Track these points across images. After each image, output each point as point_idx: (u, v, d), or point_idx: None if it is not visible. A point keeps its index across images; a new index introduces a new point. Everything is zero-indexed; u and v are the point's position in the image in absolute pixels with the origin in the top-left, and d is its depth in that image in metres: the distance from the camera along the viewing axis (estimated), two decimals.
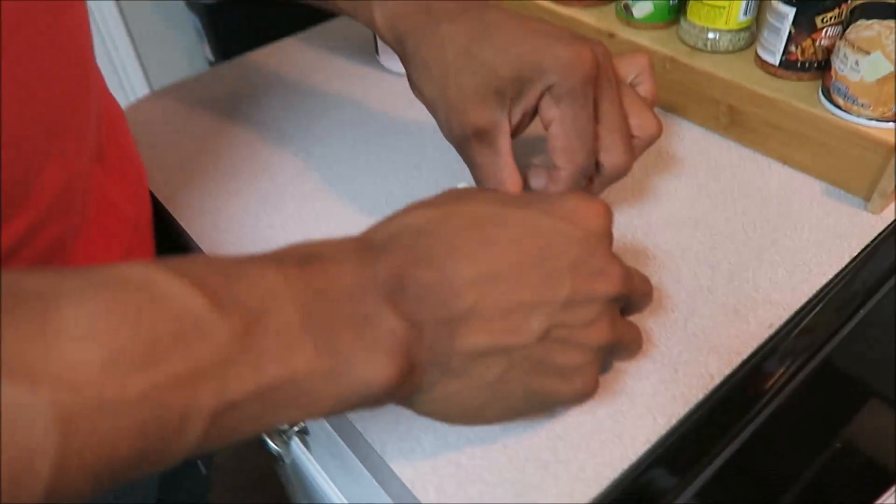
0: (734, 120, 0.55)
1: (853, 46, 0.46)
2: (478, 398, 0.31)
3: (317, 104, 0.62)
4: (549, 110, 0.39)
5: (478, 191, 0.33)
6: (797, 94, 0.51)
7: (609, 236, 0.33)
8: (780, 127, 0.52)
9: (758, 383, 0.40)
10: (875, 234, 0.47)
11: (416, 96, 0.41)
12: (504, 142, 0.40)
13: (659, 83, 0.57)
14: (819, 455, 0.37)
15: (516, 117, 0.40)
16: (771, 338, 0.42)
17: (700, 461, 0.36)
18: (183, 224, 0.52)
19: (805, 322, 0.42)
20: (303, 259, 0.28)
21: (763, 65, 0.53)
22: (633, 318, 0.36)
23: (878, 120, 0.47)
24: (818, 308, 0.43)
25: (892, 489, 0.35)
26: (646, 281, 0.36)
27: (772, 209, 0.50)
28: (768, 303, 0.43)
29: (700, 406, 0.39)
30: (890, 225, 0.48)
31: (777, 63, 0.52)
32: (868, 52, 0.45)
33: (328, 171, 0.55)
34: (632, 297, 0.34)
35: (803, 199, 0.50)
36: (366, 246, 0.30)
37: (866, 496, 0.35)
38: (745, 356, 0.41)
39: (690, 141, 0.56)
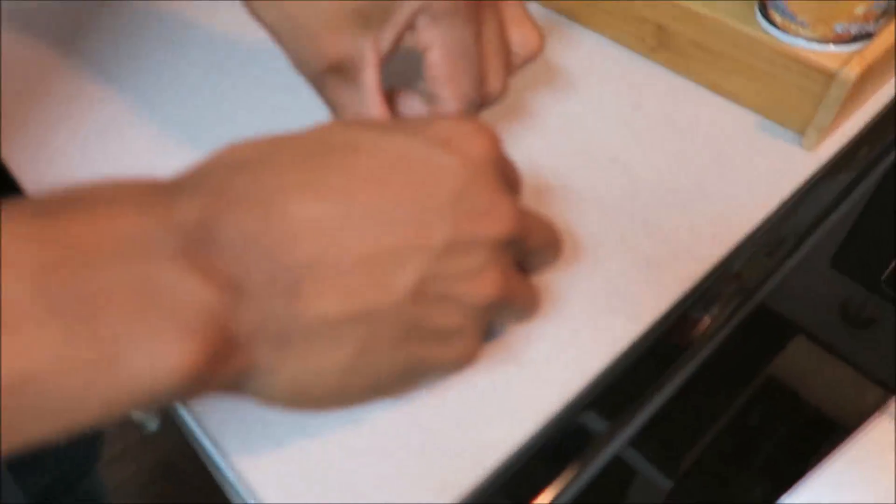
0: (662, 41, 0.48)
1: None
2: (333, 378, 0.24)
3: (158, 29, 0.53)
4: (426, 32, 0.32)
5: (330, 122, 0.26)
6: (732, 11, 0.44)
7: (497, 165, 0.26)
8: (711, 49, 0.45)
9: (668, 347, 0.35)
10: (811, 172, 0.42)
11: (256, 21, 0.33)
12: (370, 76, 0.32)
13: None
14: (744, 391, 0.33)
15: (385, 44, 0.32)
16: (686, 296, 0.36)
17: (604, 440, 0.32)
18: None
19: (721, 282, 0.37)
20: (59, 206, 0.20)
21: None
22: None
23: (817, 42, 0.41)
24: (736, 266, 0.38)
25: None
26: (548, 227, 0.29)
27: (698, 146, 0.44)
28: (688, 253, 0.38)
29: (603, 375, 0.34)
30: (824, 166, 0.42)
31: None
32: None
33: (168, 104, 0.47)
34: (529, 245, 0.27)
35: (734, 134, 0.44)
36: (162, 188, 0.22)
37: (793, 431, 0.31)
38: (656, 317, 0.36)
39: (612, 64, 0.49)
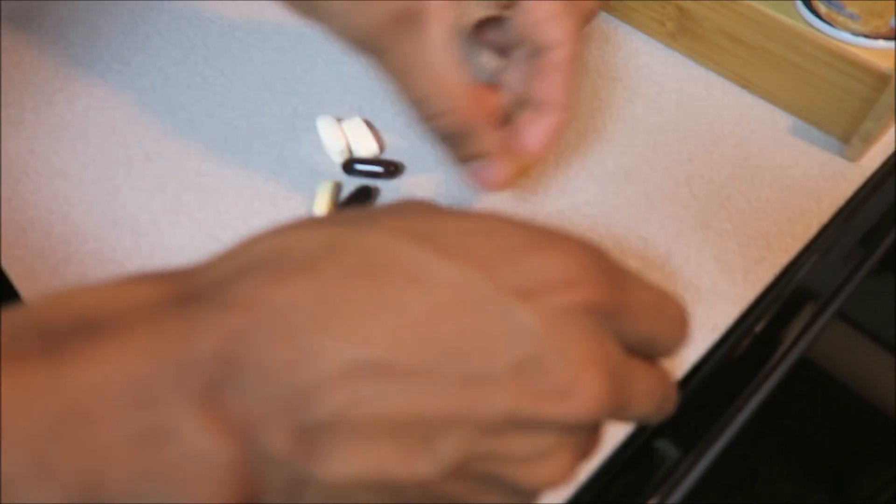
0: (683, 26, 0.42)
1: None
2: None
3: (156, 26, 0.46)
4: (559, 24, 0.29)
5: (396, 208, 0.21)
6: None
7: (598, 319, 0.19)
8: (741, 40, 0.39)
9: (694, 414, 0.31)
10: (852, 191, 0.37)
11: None
12: (439, 28, 0.28)
13: None
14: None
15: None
16: (714, 347, 0.32)
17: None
18: None
19: (756, 325, 0.33)
20: (66, 335, 0.17)
21: None
22: None
23: (868, 37, 0.35)
24: (774, 304, 0.33)
25: None
26: (663, 383, 0.22)
27: (724, 155, 0.38)
28: (713, 294, 0.33)
29: (623, 446, 0.30)
30: (870, 179, 0.37)
31: None
32: None
33: (154, 94, 0.41)
34: (645, 331, 0.21)
35: (764, 139, 0.39)
36: (182, 293, 0.18)
37: None
38: (678, 375, 0.31)
39: (626, 53, 0.43)
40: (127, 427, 0.17)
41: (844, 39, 0.36)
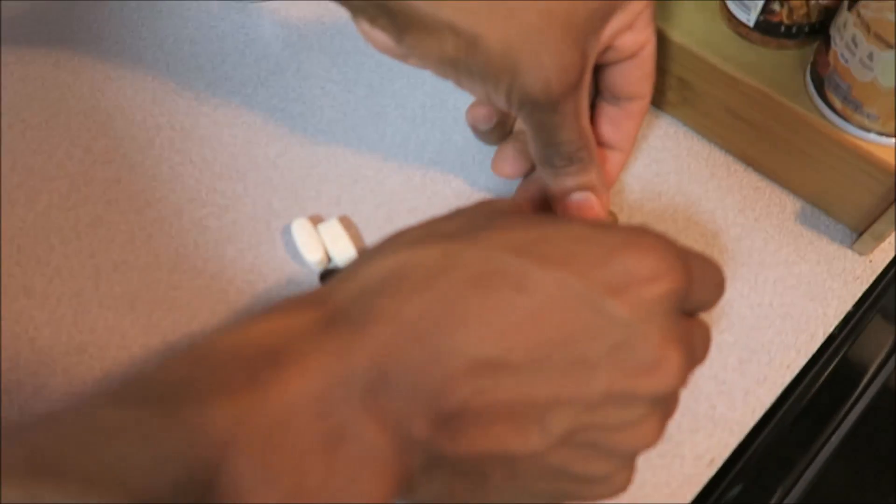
0: (685, 98, 0.39)
1: (868, 31, 0.30)
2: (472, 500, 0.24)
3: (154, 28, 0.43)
4: (643, 32, 0.31)
5: (490, 217, 0.25)
6: (775, 77, 0.35)
7: (676, 306, 0.24)
8: (747, 119, 0.36)
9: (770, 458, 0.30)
10: (861, 292, 0.35)
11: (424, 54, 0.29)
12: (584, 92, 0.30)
13: None
14: None
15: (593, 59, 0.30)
16: (711, 485, 0.31)
17: None
18: None
19: (756, 457, 0.31)
20: (254, 365, 0.21)
21: (732, 22, 0.36)
22: None
23: (885, 135, 0.32)
24: (774, 433, 0.32)
25: None
26: (713, 269, 0.26)
27: (726, 249, 0.36)
28: (711, 421, 0.32)
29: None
30: (881, 279, 0.35)
31: (752, 24, 0.35)
32: (891, 46, 0.29)
33: (118, 188, 0.38)
34: (697, 296, 0.25)
35: (769, 227, 0.37)
36: (331, 317, 0.23)
37: None
38: None
39: None
40: (316, 433, 0.21)
41: (859, 136, 0.33)
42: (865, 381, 0.33)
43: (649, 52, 0.32)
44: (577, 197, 0.33)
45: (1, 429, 0.21)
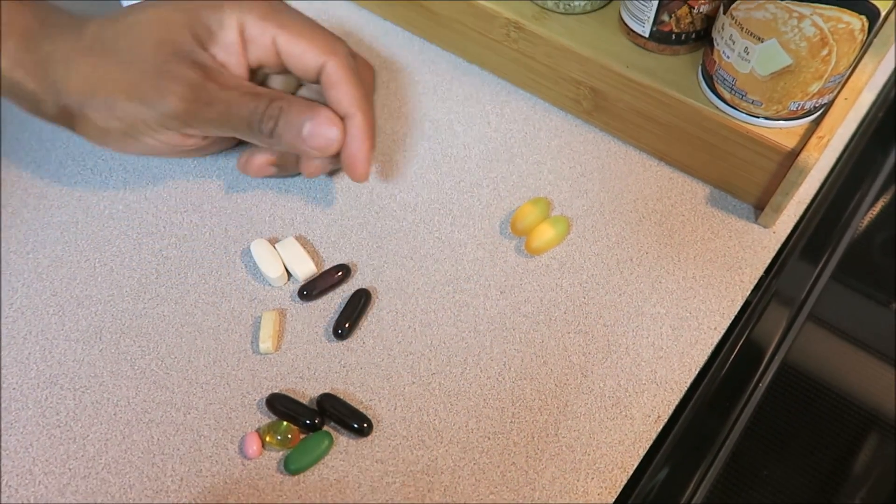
0: (598, 105, 0.43)
1: (742, 29, 0.35)
2: None
3: None
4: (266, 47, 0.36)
5: None
6: (672, 78, 0.39)
7: None
8: (654, 118, 0.41)
9: (690, 441, 0.32)
10: (769, 259, 0.39)
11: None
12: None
13: (505, 55, 0.45)
14: None
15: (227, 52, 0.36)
16: (659, 439, 0.34)
17: None
18: None
19: (697, 407, 0.35)
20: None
21: (630, 35, 0.41)
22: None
23: (771, 118, 0.37)
24: (712, 385, 0.35)
25: None
26: None
27: (649, 234, 0.40)
28: (654, 383, 0.35)
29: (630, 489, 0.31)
30: (785, 247, 0.40)
31: (647, 34, 0.40)
32: (762, 40, 0.34)
33: (76, 229, 0.40)
34: None
35: (685, 212, 0.41)
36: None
37: None
38: (629, 471, 0.33)
39: (548, 133, 0.44)
40: None
41: (749, 121, 0.38)
42: (766, 359, 0.37)
43: (332, 77, 0.36)
44: (307, 135, 0.36)
45: None
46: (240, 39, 0.36)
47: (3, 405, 0.34)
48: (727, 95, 0.37)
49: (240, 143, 0.42)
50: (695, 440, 0.34)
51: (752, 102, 0.37)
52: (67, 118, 0.36)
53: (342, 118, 0.36)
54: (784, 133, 0.37)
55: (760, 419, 0.34)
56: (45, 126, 0.44)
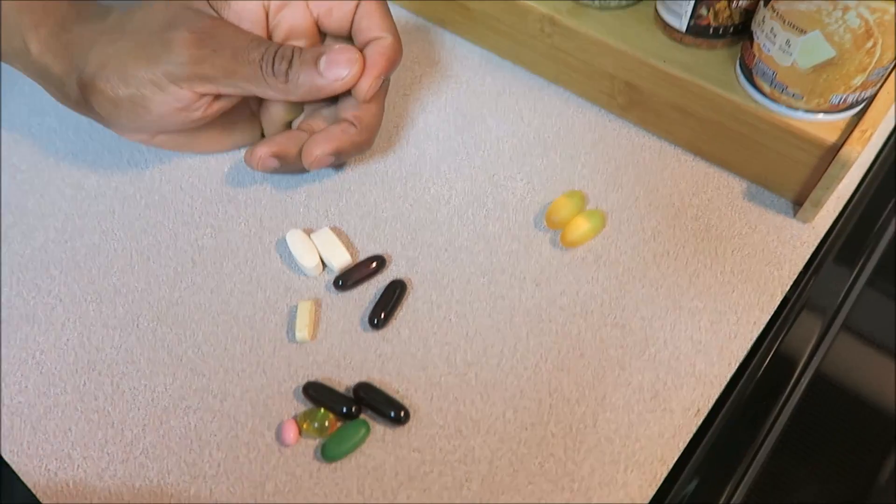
0: (633, 100, 0.43)
1: (783, 21, 0.34)
2: None
3: None
4: None
5: None
6: (709, 72, 0.39)
7: None
8: (690, 112, 0.41)
9: (721, 452, 0.32)
10: (808, 254, 0.39)
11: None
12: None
13: (538, 50, 0.45)
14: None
15: None
16: (700, 432, 0.33)
17: None
18: None
19: (726, 420, 0.34)
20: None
21: (667, 29, 0.41)
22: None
23: (812, 112, 0.37)
24: (742, 397, 0.34)
25: None
26: None
27: (686, 228, 0.40)
28: (692, 377, 0.35)
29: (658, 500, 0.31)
30: (824, 241, 0.39)
31: (684, 29, 0.40)
32: (804, 32, 0.34)
33: (113, 219, 0.40)
34: None
35: (722, 207, 0.41)
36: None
37: None
38: (669, 464, 0.32)
39: (581, 128, 0.44)
40: None
41: (789, 115, 0.37)
42: (798, 370, 0.36)
43: (365, 8, 0.37)
44: (323, 67, 0.36)
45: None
46: (263, 10, 0.37)
47: (42, 390, 0.34)
48: (767, 89, 0.37)
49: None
50: (725, 453, 0.33)
51: (793, 96, 0.36)
52: (85, 97, 0.36)
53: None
54: (825, 127, 0.37)
55: (792, 431, 0.33)
56: (83, 119, 0.44)
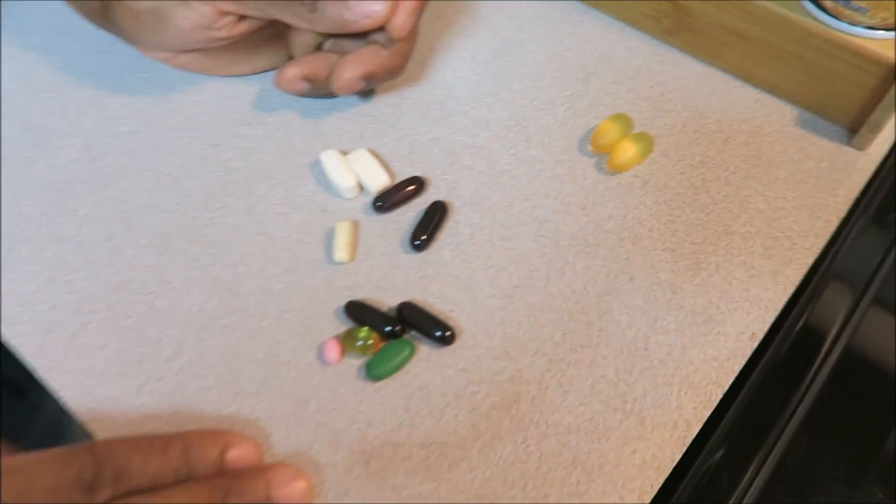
0: (681, 22, 0.41)
1: None
2: None
3: None
4: None
5: None
6: None
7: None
8: (743, 35, 0.39)
9: (751, 418, 0.31)
10: (865, 181, 0.37)
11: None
12: None
13: None
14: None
15: None
16: (756, 356, 0.32)
17: None
18: None
19: (796, 325, 0.33)
20: None
21: None
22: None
23: (875, 28, 0.35)
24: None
25: None
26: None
27: (736, 154, 0.38)
28: (746, 301, 0.34)
29: (684, 468, 0.30)
30: (881, 168, 0.38)
31: None
32: None
33: (139, 138, 0.39)
34: None
35: (774, 133, 0.39)
36: None
37: None
38: (725, 386, 0.31)
39: (624, 53, 0.42)
40: None
41: (851, 32, 0.36)
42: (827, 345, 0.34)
43: None
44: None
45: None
46: None
47: (74, 307, 0.33)
48: (829, 4, 0.35)
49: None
50: (750, 426, 0.31)
51: (857, 10, 0.35)
52: (107, 8, 0.34)
53: None
54: (889, 44, 0.35)
55: (819, 409, 0.32)
56: (104, 38, 0.42)
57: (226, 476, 0.27)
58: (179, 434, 0.28)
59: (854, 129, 0.39)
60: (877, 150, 0.38)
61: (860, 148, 0.38)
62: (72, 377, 0.31)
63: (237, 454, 0.27)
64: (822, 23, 0.36)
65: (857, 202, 0.37)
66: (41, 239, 0.35)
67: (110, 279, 0.34)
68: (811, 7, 0.36)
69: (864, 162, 0.38)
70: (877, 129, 0.37)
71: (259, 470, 0.28)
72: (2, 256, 0.35)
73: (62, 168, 0.38)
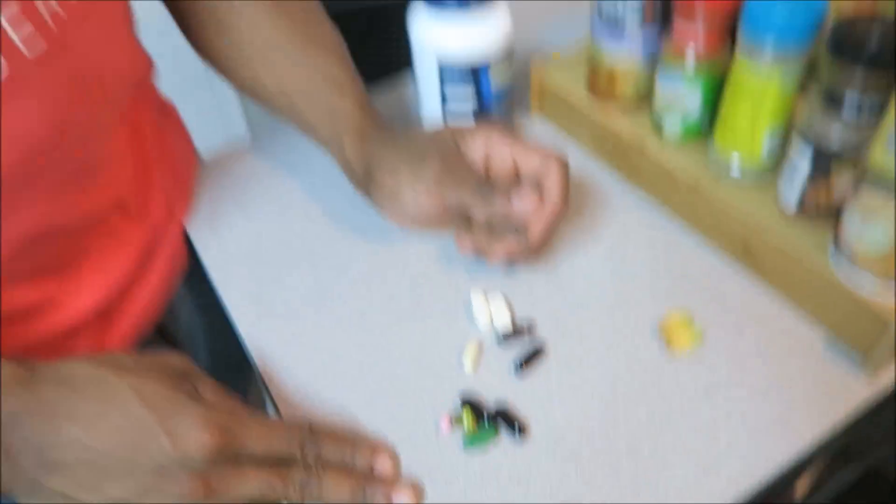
0: (748, 251, 0.56)
1: (862, 208, 0.46)
2: None
3: None
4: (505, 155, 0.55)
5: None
6: (809, 242, 0.51)
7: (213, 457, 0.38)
8: (789, 271, 0.53)
9: None
10: (863, 399, 0.48)
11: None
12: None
13: (682, 202, 0.59)
14: None
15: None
16: None
17: None
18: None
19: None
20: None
21: (782, 203, 0.54)
22: None
23: (878, 288, 0.48)
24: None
25: None
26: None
27: (774, 361, 0.51)
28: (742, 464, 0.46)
29: None
30: (883, 395, 0.49)
31: (794, 205, 0.52)
32: (872, 221, 0.45)
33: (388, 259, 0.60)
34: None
35: (803, 348, 0.51)
36: (29, 377, 0.40)
37: None
38: None
39: (699, 271, 0.57)
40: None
41: (861, 288, 0.48)
42: None
43: (547, 170, 0.52)
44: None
45: None
46: (484, 148, 0.54)
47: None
48: (846, 263, 0.49)
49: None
50: None
51: (863, 273, 0.47)
52: (366, 180, 0.55)
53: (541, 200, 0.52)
54: (886, 304, 0.47)
55: None
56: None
57: (370, 477, 0.44)
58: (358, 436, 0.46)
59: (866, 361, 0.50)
60: (887, 380, 0.49)
61: (869, 374, 0.49)
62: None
63: (382, 465, 0.44)
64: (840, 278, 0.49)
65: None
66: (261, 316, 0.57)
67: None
68: (837, 260, 0.50)
69: (867, 389, 0.49)
70: (877, 364, 0.48)
71: (389, 480, 0.44)
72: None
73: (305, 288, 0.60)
